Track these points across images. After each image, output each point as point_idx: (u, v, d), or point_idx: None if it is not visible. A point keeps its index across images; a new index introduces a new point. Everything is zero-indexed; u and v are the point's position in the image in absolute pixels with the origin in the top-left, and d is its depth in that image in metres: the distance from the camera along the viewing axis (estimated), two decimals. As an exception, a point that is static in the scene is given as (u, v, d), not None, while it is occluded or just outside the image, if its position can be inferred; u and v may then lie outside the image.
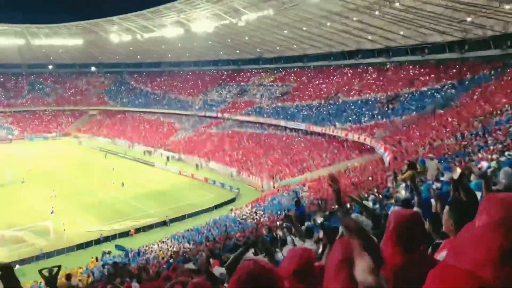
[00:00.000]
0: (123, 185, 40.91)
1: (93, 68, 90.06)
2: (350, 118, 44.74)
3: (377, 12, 40.86)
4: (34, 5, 74.20)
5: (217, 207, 35.18)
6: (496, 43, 38.95)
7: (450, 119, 31.37)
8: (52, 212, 31.77)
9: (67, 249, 26.90)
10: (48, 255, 25.46)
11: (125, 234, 29.94)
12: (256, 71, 71.03)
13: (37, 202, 35.23)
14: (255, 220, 26.47)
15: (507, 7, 32.31)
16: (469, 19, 36.82)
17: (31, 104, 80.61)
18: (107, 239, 29.05)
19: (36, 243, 27.47)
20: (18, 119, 76.92)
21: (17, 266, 22.80)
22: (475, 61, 40.41)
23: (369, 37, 49.47)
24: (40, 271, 3.08)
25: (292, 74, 64.45)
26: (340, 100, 50.82)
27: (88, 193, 38.23)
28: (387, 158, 29.85)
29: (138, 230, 30.37)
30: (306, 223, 9.62)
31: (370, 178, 26.63)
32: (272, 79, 66.25)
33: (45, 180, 42.98)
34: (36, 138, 72.63)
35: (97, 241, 28.57)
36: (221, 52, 71.96)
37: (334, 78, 56.90)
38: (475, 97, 33.73)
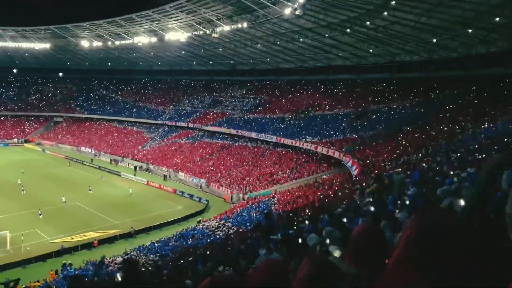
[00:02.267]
0: (90, 190, 41.55)
1: (60, 74, 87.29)
2: (320, 132, 45.42)
3: (348, 30, 42.04)
4: (0, 6, 71.40)
5: (185, 218, 34.53)
6: (460, 64, 40.93)
7: (416, 136, 32.44)
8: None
9: (25, 261, 25.52)
10: (4, 267, 24.01)
11: (88, 245, 28.81)
12: (229, 82, 71.21)
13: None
14: (223, 233, 26.14)
15: (469, 30, 34.03)
16: (434, 40, 38.50)
17: (-7, 108, 77.11)
18: (68, 251, 27.81)
19: (-9, 255, 25.95)
20: (-23, 123, 73.33)
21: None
22: (441, 80, 42.16)
23: (340, 54, 50.78)
24: None
25: (265, 88, 65.04)
26: (310, 114, 51.61)
27: (49, 202, 36.64)
28: (354, 171, 30.37)
29: (101, 242, 29.26)
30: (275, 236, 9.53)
31: (339, 193, 26.95)
32: (244, 92, 66.55)
33: (4, 189, 40.95)
34: (-4, 144, 69.31)
35: (58, 253, 27.27)
36: (194, 63, 71.78)
37: (305, 93, 57.82)
38: (441, 115, 35.07)
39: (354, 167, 31.45)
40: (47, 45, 67.72)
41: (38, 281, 21.84)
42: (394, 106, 44.06)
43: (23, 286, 19.91)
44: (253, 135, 51.79)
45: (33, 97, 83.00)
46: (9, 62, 78.44)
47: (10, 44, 66.36)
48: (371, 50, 46.95)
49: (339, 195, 25.62)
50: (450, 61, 42.17)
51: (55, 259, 26.49)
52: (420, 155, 24.47)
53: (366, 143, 37.54)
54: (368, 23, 38.51)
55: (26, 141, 72.38)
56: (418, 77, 45.00)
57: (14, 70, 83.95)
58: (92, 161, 57.25)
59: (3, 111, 77.65)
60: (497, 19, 30.58)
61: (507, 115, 27.17)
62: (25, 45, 67.10)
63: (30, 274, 22.32)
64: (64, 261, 25.63)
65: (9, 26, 62.75)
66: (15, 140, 72.16)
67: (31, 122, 78.61)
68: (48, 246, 27.96)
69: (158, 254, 23.71)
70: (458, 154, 18.47)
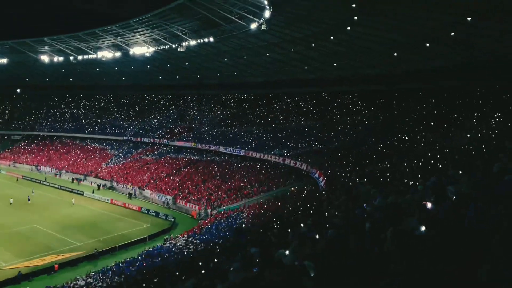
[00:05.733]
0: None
1: (18, 90, 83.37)
2: (287, 145, 45.69)
3: (312, 45, 42.81)
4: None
5: (151, 237, 33.42)
6: (419, 77, 42.45)
7: (380, 147, 33.15)
8: None
9: (-22, 289, 23.73)
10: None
11: (48, 270, 27.18)
12: (196, 97, 70.69)
13: None
14: (191, 250, 25.45)
15: (427, 44, 35.50)
16: (395, 54, 39.86)
17: None
18: (26, 277, 26.12)
19: None
20: None
21: None
22: (401, 93, 43.55)
23: (306, 68, 51.55)
24: None
25: (232, 101, 65.01)
26: (278, 127, 51.92)
27: (5, 226, 34.53)
28: (322, 183, 30.56)
29: (63, 265, 27.73)
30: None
31: (307, 204, 26.90)
32: (211, 106, 66.22)
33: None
34: None
35: (15, 280, 25.54)
36: (160, 77, 70.77)
37: (272, 106, 58.24)
38: (403, 125, 36.02)
39: (321, 179, 31.67)
40: (3, 60, 65.00)
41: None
42: (359, 118, 45.10)
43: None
44: (221, 149, 51.41)
45: (-12, 115, 78.93)
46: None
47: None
48: (335, 64, 47.99)
49: (307, 207, 25.58)
50: (410, 74, 43.63)
51: (12, 287, 24.80)
52: (383, 165, 25.00)
53: (333, 154, 38.02)
54: (332, 37, 39.41)
55: (-21, 161, 68.42)
56: (380, 89, 46.31)
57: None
58: (45, 180, 54.92)
59: (-45, 129, 73.36)
60: (452, 33, 32.10)
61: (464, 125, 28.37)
62: (-21, 60, 64.10)
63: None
64: (22, 288, 24.11)
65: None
66: (-32, 160, 68.09)
67: (-14, 141, 74.61)
68: (4, 273, 26.16)
69: (123, 276, 22.72)
70: (420, 164, 18.97)
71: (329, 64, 48.20)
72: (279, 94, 59.40)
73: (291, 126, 50.89)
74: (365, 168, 27.30)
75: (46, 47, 60.62)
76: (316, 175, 33.54)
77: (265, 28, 38.81)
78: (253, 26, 39.21)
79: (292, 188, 37.43)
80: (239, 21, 40.35)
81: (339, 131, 44.09)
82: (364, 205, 7.93)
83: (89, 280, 23.73)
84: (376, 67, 45.73)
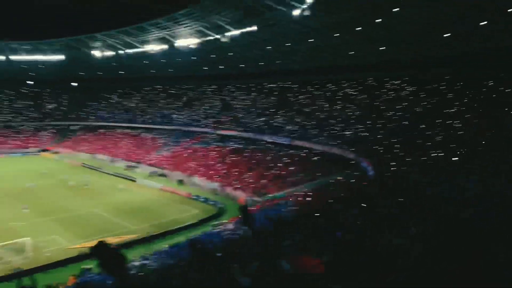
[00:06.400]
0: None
1: (75, 84, 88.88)
2: (333, 133, 45.23)
3: (358, 28, 41.69)
4: (17, 21, 73.64)
5: (201, 222, 34.67)
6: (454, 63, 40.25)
7: (429, 133, 31.99)
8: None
9: (45, 266, 25.94)
10: (25, 273, 24.43)
11: (106, 251, 29.08)
12: (240, 86, 71.42)
13: (13, 219, 34.16)
14: (239, 236, 26.18)
15: (485, 22, 33.50)
16: (449, 34, 37.99)
17: (11, 119, 78.96)
18: (87, 256, 28.16)
19: (13, 261, 26.48)
20: (-4, 134, 75.17)
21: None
22: (450, 78, 41.55)
23: (352, 53, 50.32)
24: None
25: (276, 90, 65.05)
26: (323, 115, 51.41)
27: (68, 209, 37.31)
28: (370, 172, 30.12)
29: (119, 247, 29.52)
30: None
31: (354, 194, 26.68)
32: (256, 95, 66.67)
33: (23, 197, 41.79)
34: (14, 154, 70.80)
35: (77, 258, 27.64)
36: (205, 68, 72.09)
37: (317, 93, 57.67)
38: (455, 110, 34.48)
39: (369, 168, 31.17)
40: (61, 57, 69.13)
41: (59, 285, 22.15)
42: (407, 104, 43.62)
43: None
44: (266, 138, 51.79)
45: (49, 107, 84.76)
46: (24, 74, 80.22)
47: (25, 57, 67.93)
48: (380, 48, 46.39)
49: (354, 196, 25.39)
50: (463, 56, 41.34)
51: (75, 265, 26.87)
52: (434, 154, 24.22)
53: (381, 143, 37.22)
54: (378, 20, 38.10)
55: (43, 150, 73.83)
56: (428, 75, 44.33)
57: (31, 82, 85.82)
58: (101, 167, 59.01)
59: (20, 122, 79.50)
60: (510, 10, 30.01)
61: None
62: (40, 57, 68.64)
63: (50, 279, 22.65)
64: (83, 266, 26.02)
65: (25, 40, 64.27)
66: (32, 149, 73.68)
67: (47, 131, 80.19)
68: (67, 252, 28.39)
69: (176, 258, 23.87)
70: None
71: (375, 48, 46.68)
72: (323, 81, 58.61)
73: (337, 113, 50.19)
74: (416, 156, 26.59)
75: (98, 43, 63.66)
76: (364, 164, 33.04)
77: (308, 14, 38.24)
78: (296, 12, 38.74)
79: (339, 177, 37.13)
80: (282, 8, 40.04)
81: (386, 118, 42.95)
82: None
83: (143, 261, 25.17)
84: (424, 51, 43.72)
